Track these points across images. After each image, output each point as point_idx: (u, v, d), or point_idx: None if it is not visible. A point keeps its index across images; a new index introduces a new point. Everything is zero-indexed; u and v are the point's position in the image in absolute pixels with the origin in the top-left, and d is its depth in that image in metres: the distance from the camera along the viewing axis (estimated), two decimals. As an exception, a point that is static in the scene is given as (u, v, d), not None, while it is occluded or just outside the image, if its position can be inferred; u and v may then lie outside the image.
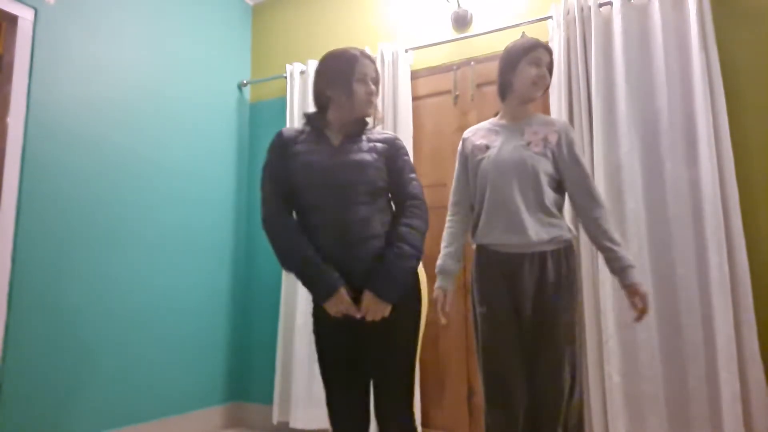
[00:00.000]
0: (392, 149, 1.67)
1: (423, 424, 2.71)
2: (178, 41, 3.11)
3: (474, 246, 1.88)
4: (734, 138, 2.18)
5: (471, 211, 1.90)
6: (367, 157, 1.61)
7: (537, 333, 1.67)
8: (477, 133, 1.90)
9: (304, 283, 1.56)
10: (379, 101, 2.94)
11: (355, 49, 1.67)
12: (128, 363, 2.66)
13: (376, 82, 1.68)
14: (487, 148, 1.81)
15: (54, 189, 2.41)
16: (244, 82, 3.56)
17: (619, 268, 1.66)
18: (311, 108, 3.13)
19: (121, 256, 2.67)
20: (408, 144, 2.88)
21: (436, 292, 1.83)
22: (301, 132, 1.68)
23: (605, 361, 2.21)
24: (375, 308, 1.50)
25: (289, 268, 1.57)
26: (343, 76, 1.62)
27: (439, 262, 1.87)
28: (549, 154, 1.75)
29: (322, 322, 1.63)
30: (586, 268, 2.32)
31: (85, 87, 2.58)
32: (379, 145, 1.66)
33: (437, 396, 2.77)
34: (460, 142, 1.94)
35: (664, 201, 2.26)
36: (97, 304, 2.55)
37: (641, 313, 1.65)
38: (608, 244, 1.68)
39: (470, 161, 1.86)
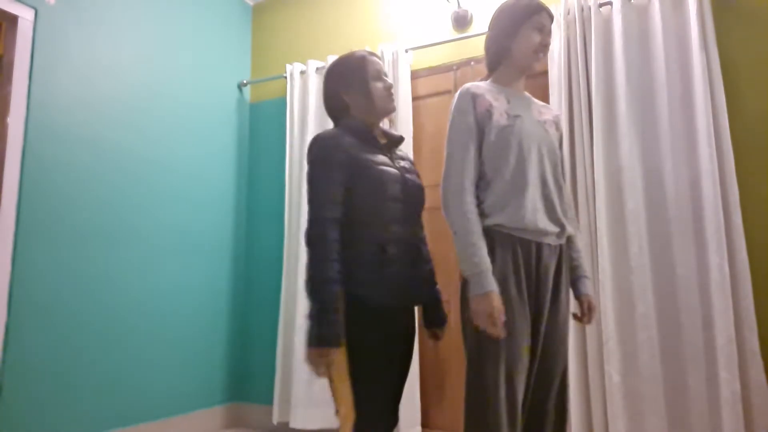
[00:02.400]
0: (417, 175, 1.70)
1: (423, 425, 2.71)
2: (177, 41, 3.11)
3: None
4: (734, 138, 2.18)
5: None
6: (418, 179, 1.65)
7: (553, 329, 1.49)
8: (487, 92, 1.54)
9: (316, 316, 1.39)
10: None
11: (363, 50, 1.64)
12: (128, 363, 2.66)
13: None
14: (508, 114, 1.51)
15: (54, 189, 2.41)
16: (244, 82, 3.56)
17: (581, 274, 1.61)
18: (311, 108, 3.17)
19: (121, 256, 2.67)
20: (408, 144, 2.88)
21: (493, 300, 1.34)
22: (350, 138, 1.53)
23: (605, 361, 2.21)
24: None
25: (315, 293, 1.41)
26: (357, 77, 1.57)
27: (477, 260, 1.38)
28: (559, 142, 1.62)
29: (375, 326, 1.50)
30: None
31: (85, 87, 2.58)
32: (413, 168, 1.68)
33: (437, 396, 2.77)
34: (467, 98, 1.51)
35: (664, 201, 2.26)
36: (97, 304, 2.55)
37: (587, 323, 1.62)
38: (580, 246, 1.64)
39: (488, 125, 1.49)
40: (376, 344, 1.48)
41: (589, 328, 2.29)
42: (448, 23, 2.99)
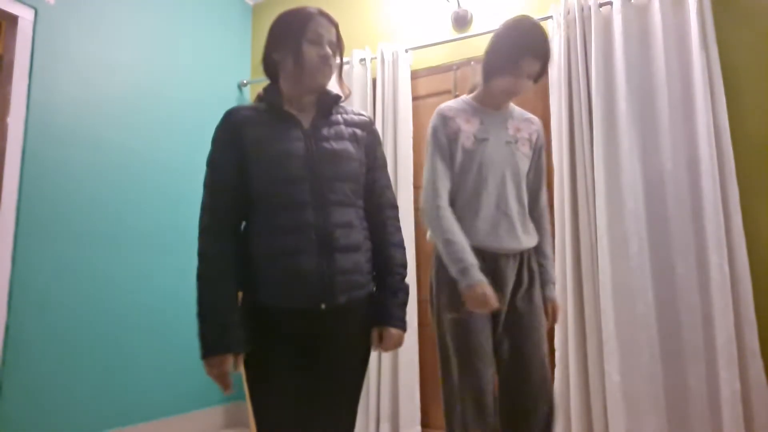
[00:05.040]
0: (371, 138, 1.42)
1: (423, 424, 2.71)
2: (178, 41, 3.11)
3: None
4: (734, 138, 2.18)
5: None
6: (350, 147, 1.34)
7: (519, 331, 1.59)
8: (459, 114, 1.64)
9: (202, 322, 1.22)
10: (378, 101, 2.97)
11: (315, 7, 1.35)
12: (128, 363, 2.66)
13: (336, 48, 1.37)
14: (475, 138, 1.62)
15: (54, 189, 2.41)
16: (244, 82, 3.56)
17: (547, 279, 1.69)
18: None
19: (121, 255, 2.67)
20: (408, 144, 2.88)
21: (485, 288, 1.44)
22: (257, 111, 1.35)
23: (605, 361, 2.21)
24: (398, 343, 1.38)
25: (200, 293, 1.24)
26: (290, 35, 1.30)
27: (465, 256, 1.47)
28: (531, 156, 1.69)
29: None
30: (586, 268, 2.32)
31: (85, 87, 2.58)
32: (358, 131, 1.39)
33: (437, 396, 2.76)
34: (439, 119, 1.63)
35: (663, 201, 2.26)
36: (97, 303, 2.54)
37: (552, 324, 1.70)
38: (549, 253, 1.72)
39: (455, 147, 1.61)
40: (268, 357, 1.26)
41: (589, 328, 2.29)
42: (448, 23, 2.99)
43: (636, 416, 2.16)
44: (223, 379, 1.21)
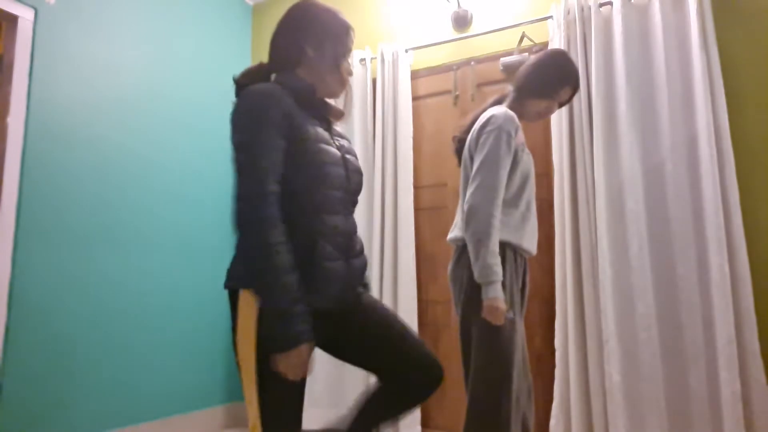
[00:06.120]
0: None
1: (423, 424, 2.71)
2: (178, 41, 3.11)
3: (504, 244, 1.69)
4: (734, 138, 2.18)
5: None
6: (357, 161, 1.44)
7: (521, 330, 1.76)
8: (520, 125, 1.73)
9: (281, 314, 1.14)
10: (378, 101, 2.97)
11: (343, 16, 1.40)
12: (128, 363, 2.66)
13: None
14: (525, 152, 1.75)
15: (54, 189, 2.41)
16: (244, 82, 3.56)
17: None
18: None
19: (121, 256, 2.67)
20: (408, 144, 2.88)
21: (502, 305, 1.54)
22: (289, 99, 1.26)
23: (605, 361, 2.21)
24: None
25: (271, 287, 1.14)
26: (332, 40, 1.33)
27: (498, 269, 1.54)
28: None
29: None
30: (586, 268, 2.32)
31: (85, 87, 2.58)
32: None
33: (437, 396, 2.77)
34: (513, 126, 1.65)
35: (664, 201, 2.26)
36: (98, 304, 2.55)
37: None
38: None
39: (519, 156, 1.69)
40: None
41: (589, 328, 2.28)
42: (448, 23, 2.99)
43: (636, 416, 2.16)
44: (305, 370, 1.17)
